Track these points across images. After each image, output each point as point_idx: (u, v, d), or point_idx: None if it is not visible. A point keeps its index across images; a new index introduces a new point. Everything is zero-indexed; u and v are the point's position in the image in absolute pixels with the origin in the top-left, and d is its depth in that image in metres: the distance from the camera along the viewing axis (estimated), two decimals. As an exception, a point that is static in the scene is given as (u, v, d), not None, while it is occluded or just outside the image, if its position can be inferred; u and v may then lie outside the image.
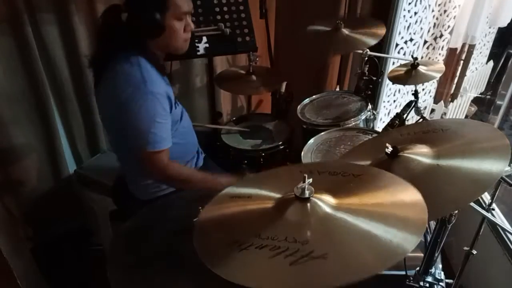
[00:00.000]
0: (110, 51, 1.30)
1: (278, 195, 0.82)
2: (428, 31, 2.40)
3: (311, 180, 0.76)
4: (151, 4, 1.24)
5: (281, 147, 1.79)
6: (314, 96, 1.97)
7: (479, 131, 1.03)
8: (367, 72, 1.86)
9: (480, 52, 2.86)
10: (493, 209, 1.11)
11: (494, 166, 0.85)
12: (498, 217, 1.65)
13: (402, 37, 2.12)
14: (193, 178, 1.38)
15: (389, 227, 0.70)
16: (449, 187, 0.88)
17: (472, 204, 0.95)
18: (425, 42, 2.42)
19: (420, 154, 0.99)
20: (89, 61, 1.37)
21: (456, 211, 0.93)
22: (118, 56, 1.28)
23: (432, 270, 1.11)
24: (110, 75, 1.29)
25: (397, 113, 1.47)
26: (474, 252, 1.11)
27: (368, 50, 1.78)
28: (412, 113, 1.57)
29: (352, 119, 1.73)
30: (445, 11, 2.43)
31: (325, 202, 0.78)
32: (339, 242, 0.69)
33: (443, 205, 0.86)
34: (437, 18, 2.43)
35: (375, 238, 0.68)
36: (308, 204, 0.76)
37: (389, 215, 0.74)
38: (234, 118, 1.98)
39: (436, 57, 2.59)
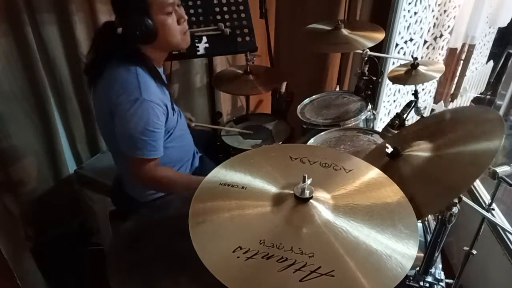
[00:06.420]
0: (107, 61, 1.29)
1: (274, 188, 0.82)
2: (428, 31, 2.40)
3: (311, 180, 0.76)
4: (133, 8, 1.22)
5: (281, 147, 1.78)
6: (314, 96, 1.97)
7: (473, 115, 1.05)
8: (367, 72, 1.86)
9: (480, 52, 2.86)
10: (493, 209, 1.11)
11: (491, 142, 0.86)
12: (498, 217, 1.64)
13: (402, 37, 2.12)
14: (179, 185, 1.36)
15: (384, 238, 0.72)
16: (451, 172, 0.90)
17: (472, 204, 0.95)
18: (425, 42, 2.42)
19: (421, 150, 1.00)
20: (84, 68, 1.37)
21: (456, 211, 0.93)
22: (116, 64, 1.27)
23: (432, 270, 1.11)
24: (107, 79, 1.28)
25: (397, 113, 1.46)
26: (474, 252, 1.11)
27: (368, 50, 1.78)
28: (412, 113, 1.57)
29: (352, 119, 1.74)
30: (445, 11, 2.43)
31: (324, 204, 0.78)
32: (343, 259, 0.69)
33: (448, 190, 0.88)
34: (437, 18, 2.43)
35: (375, 254, 0.69)
36: (309, 207, 0.76)
37: (382, 221, 0.76)
38: (234, 118, 1.98)
39: (436, 57, 2.59)
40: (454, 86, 2.85)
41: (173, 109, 1.36)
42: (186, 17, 1.33)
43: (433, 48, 2.55)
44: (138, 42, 1.28)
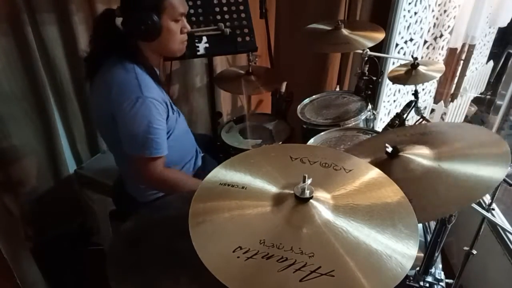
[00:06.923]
0: (104, 55, 1.29)
1: (274, 188, 0.82)
2: (428, 31, 2.40)
3: (311, 180, 0.76)
4: (148, 5, 1.23)
5: (281, 147, 1.78)
6: (314, 96, 1.97)
7: (478, 135, 1.04)
8: (367, 72, 1.86)
9: (480, 52, 2.86)
10: (493, 209, 1.11)
11: (494, 171, 0.86)
12: (498, 217, 1.65)
13: (402, 37, 2.12)
14: (185, 185, 1.35)
15: (385, 237, 0.72)
16: (449, 189, 0.89)
17: (472, 204, 0.95)
18: (425, 42, 2.42)
19: (420, 155, 1.00)
20: (85, 58, 1.37)
21: (456, 211, 0.93)
22: (113, 61, 1.27)
23: (432, 270, 1.12)
24: (105, 80, 1.28)
25: (397, 113, 1.47)
26: (474, 252, 1.11)
27: (368, 50, 1.78)
28: (412, 113, 1.57)
29: (352, 119, 1.73)
30: (445, 11, 2.43)
31: (324, 204, 0.78)
32: (343, 259, 0.69)
33: (443, 206, 0.87)
34: (437, 18, 2.43)
35: (375, 254, 0.69)
36: (309, 207, 0.76)
37: (382, 221, 0.76)
38: (234, 118, 1.98)
39: (436, 57, 2.59)
40: (454, 86, 2.85)
41: (172, 108, 1.36)
42: (189, 28, 1.36)
43: (433, 48, 2.56)
44: (139, 37, 1.28)
